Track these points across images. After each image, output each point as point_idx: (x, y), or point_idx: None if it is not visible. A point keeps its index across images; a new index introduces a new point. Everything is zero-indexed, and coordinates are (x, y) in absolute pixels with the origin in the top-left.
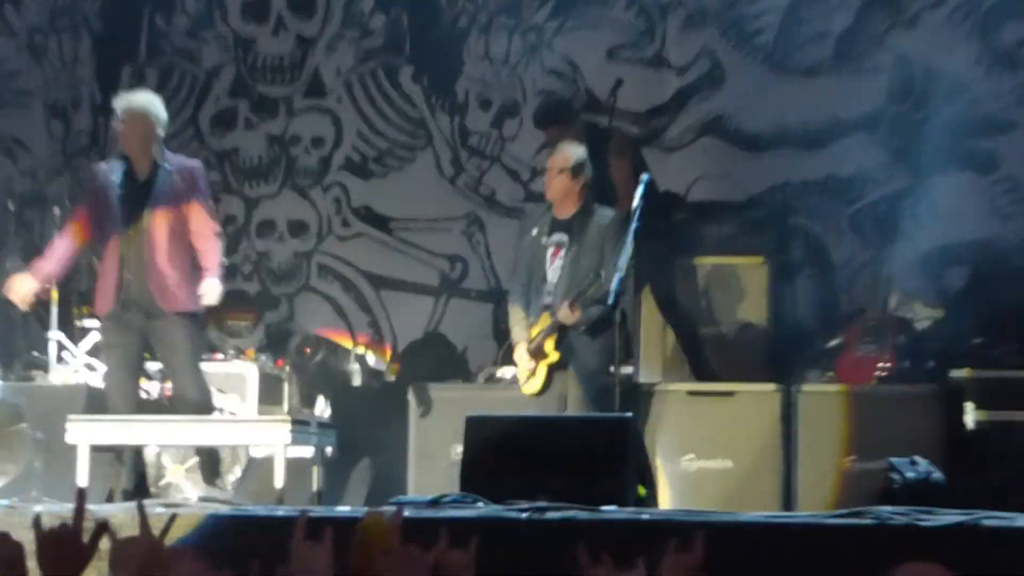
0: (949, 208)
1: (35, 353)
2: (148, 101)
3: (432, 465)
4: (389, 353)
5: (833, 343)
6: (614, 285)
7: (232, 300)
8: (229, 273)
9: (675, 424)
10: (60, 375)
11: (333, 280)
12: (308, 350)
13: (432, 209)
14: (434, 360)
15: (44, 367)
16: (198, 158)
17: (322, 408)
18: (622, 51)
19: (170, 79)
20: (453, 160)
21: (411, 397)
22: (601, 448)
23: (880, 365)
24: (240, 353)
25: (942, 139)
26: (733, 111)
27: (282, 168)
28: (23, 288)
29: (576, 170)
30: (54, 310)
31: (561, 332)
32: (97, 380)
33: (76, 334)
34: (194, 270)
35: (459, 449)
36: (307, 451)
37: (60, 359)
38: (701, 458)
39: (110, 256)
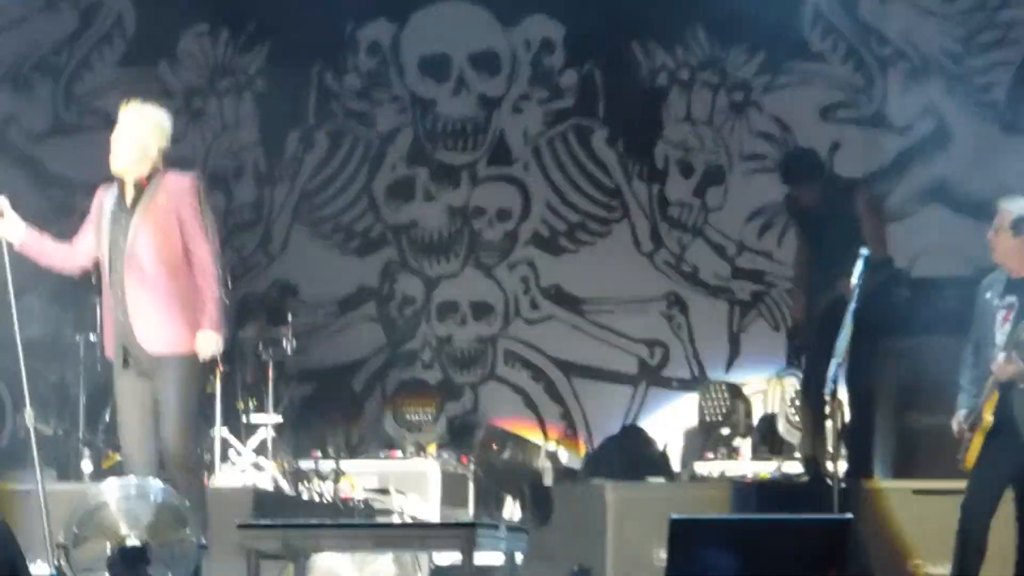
0: None
1: (199, 452)
2: (145, 110)
3: (633, 571)
4: (584, 448)
5: None
6: (831, 372)
7: (411, 389)
8: (407, 359)
9: (900, 526)
10: (226, 476)
11: (521, 367)
12: (495, 445)
13: (629, 288)
14: (633, 456)
15: (208, 467)
16: (373, 233)
17: (511, 509)
18: (838, 110)
19: (341, 144)
20: (652, 233)
21: (608, 496)
22: (818, 553)
23: None
24: (421, 449)
25: None
26: (961, 176)
27: (464, 244)
28: (12, 228)
29: (1017, 225)
30: (218, 405)
31: (1004, 393)
32: (266, 481)
33: (243, 431)
34: (196, 305)
35: (663, 554)
36: (496, 557)
37: (225, 458)
38: (929, 563)
39: (105, 295)
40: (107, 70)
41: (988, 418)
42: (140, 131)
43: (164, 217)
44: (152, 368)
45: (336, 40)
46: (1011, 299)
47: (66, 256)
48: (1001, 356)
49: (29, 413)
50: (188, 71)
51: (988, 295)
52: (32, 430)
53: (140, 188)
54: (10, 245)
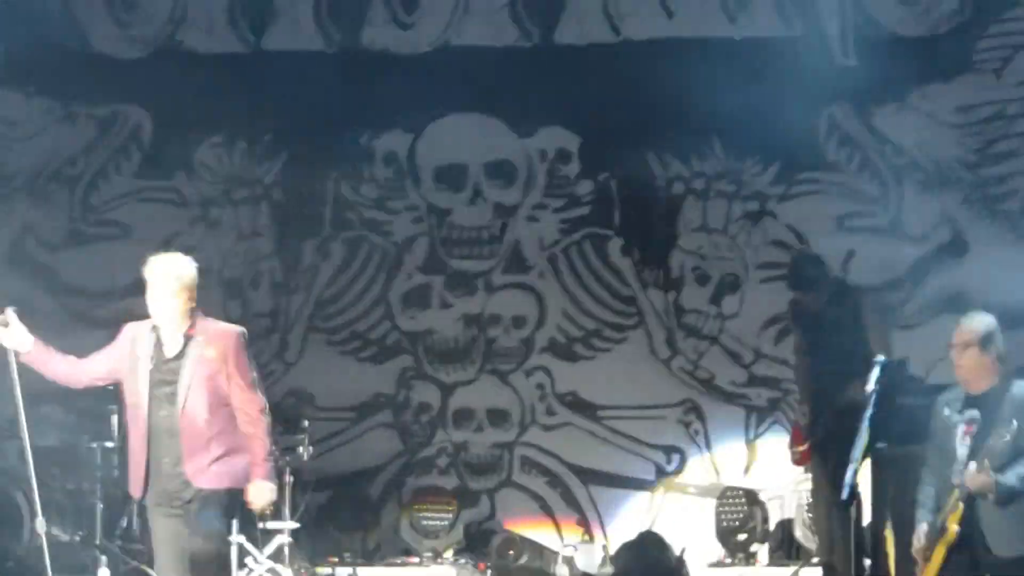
0: None
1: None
2: (178, 261)
3: None
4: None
5: None
6: (848, 478)
7: (427, 495)
8: (423, 466)
9: None
10: None
11: (537, 474)
12: (511, 552)
13: (644, 395)
14: (650, 563)
15: None
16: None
17: None
18: (854, 217)
19: (358, 253)
20: (667, 340)
21: None
22: None
23: None
24: (437, 555)
25: None
26: (977, 284)
27: (480, 351)
28: (16, 336)
29: (985, 342)
30: None
31: (969, 505)
32: None
33: (259, 537)
34: (240, 443)
35: None
36: None
37: (242, 564)
38: None
39: (138, 439)
40: (124, 180)
41: (954, 528)
42: (169, 288)
43: (213, 370)
44: (193, 504)
45: (352, 150)
46: (972, 413)
47: (71, 372)
48: (972, 466)
49: (40, 521)
50: (204, 181)
51: (946, 411)
52: (44, 538)
53: (186, 338)
54: (17, 354)
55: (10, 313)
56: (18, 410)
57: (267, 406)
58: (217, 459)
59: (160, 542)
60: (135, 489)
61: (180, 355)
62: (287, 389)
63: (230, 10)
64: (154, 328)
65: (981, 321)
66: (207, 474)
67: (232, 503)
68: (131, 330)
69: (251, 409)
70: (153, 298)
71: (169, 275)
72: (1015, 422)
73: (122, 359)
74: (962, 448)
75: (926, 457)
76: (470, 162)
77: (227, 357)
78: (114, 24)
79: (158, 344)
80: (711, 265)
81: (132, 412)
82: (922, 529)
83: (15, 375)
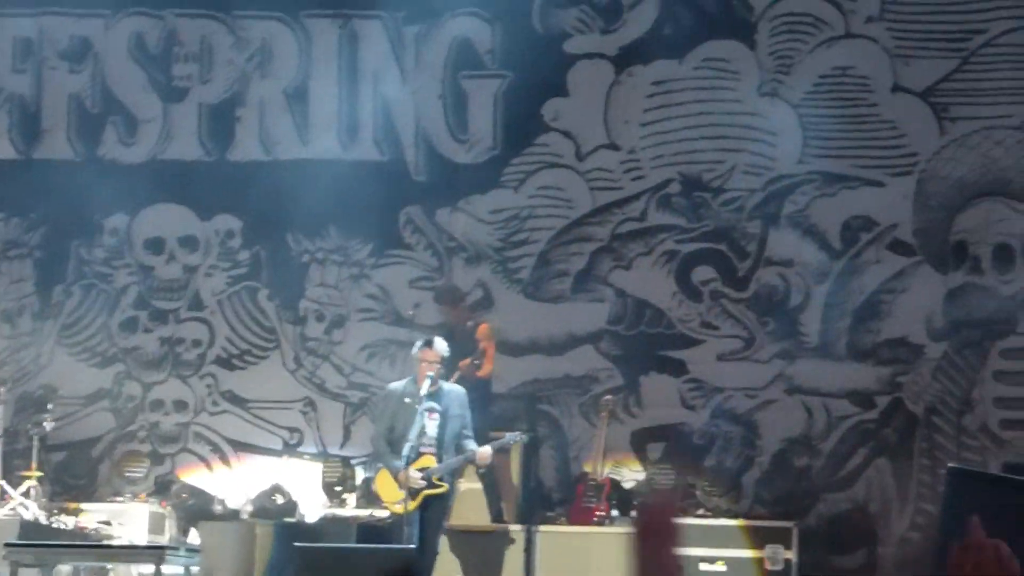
0: (652, 399)
1: None
2: None
3: None
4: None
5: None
6: (405, 451)
7: (130, 456)
8: (129, 438)
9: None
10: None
11: (205, 444)
12: (184, 495)
13: (278, 393)
14: (276, 504)
15: None
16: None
17: (193, 536)
18: (421, 280)
19: (90, 294)
20: (295, 358)
21: (258, 531)
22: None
23: (598, 512)
24: (135, 496)
25: (647, 351)
26: (501, 326)
27: (170, 362)
28: None
29: (444, 360)
30: None
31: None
32: (28, 515)
33: (13, 480)
34: None
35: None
36: (179, 570)
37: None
38: None
39: None
40: None
41: (442, 484)
42: None
43: None
44: None
45: (89, 225)
46: (431, 404)
47: None
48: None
49: None
50: None
51: (408, 400)
52: None
53: None
54: None
55: None
56: None
57: None
58: None
59: None
60: None
61: None
62: (40, 383)
63: (9, 129)
64: None
65: (444, 346)
66: None
67: None
68: None
69: None
70: None
71: None
72: (461, 412)
73: None
74: (431, 427)
75: (382, 427)
76: (168, 236)
77: None
78: None
79: None
80: (327, 308)
81: None
82: (412, 474)
83: None
